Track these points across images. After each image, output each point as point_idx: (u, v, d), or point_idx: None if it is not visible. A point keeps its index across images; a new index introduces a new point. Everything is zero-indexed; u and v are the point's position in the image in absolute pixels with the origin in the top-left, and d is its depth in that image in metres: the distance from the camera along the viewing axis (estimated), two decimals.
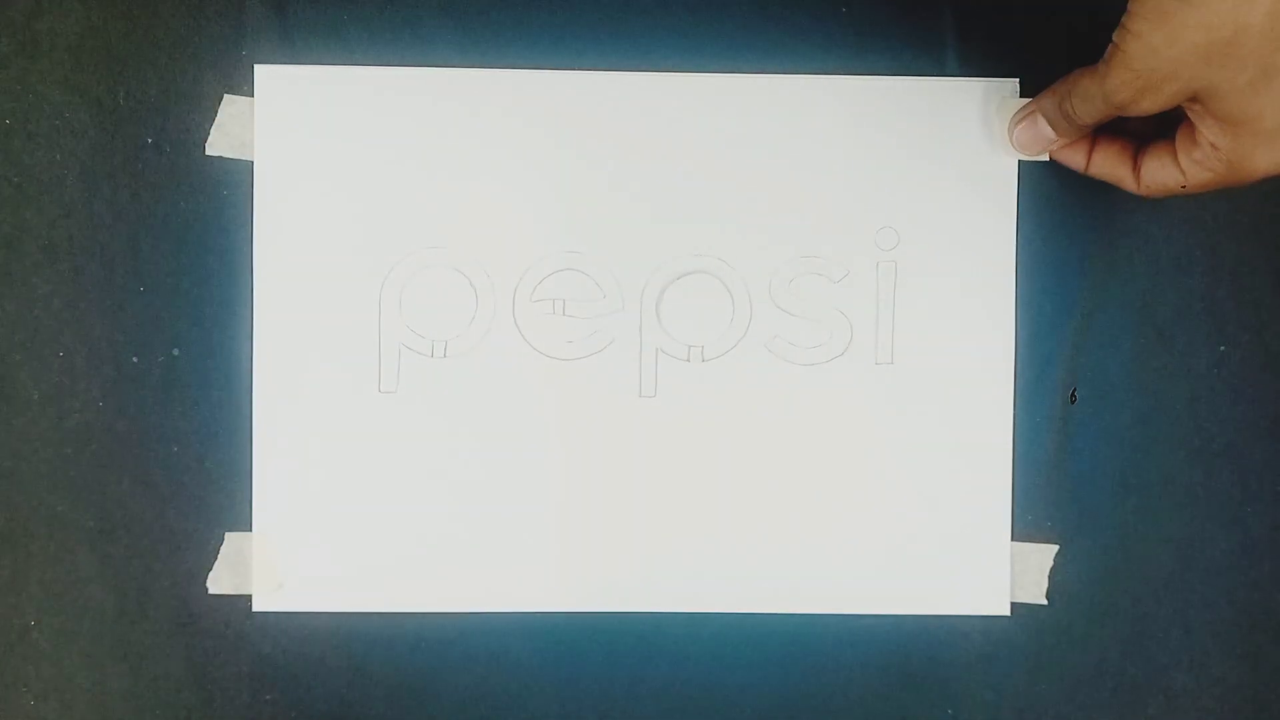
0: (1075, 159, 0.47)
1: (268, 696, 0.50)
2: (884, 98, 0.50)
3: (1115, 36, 0.40)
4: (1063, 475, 0.51)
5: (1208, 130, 0.41)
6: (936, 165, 0.50)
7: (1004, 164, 0.50)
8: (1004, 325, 0.50)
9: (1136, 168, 0.45)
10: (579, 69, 0.49)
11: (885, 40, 0.50)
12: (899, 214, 0.50)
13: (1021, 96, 0.49)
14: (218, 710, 0.50)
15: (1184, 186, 0.43)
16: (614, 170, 0.49)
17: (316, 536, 0.49)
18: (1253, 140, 0.40)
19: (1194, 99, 0.40)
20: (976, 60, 0.50)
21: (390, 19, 0.49)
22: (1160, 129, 0.44)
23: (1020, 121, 0.48)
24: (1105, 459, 0.51)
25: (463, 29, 0.49)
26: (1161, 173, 0.44)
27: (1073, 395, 0.51)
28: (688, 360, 0.50)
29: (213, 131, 0.49)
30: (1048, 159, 0.49)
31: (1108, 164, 0.46)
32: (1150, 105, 0.41)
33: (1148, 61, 0.39)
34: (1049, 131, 0.47)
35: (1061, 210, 0.50)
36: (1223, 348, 0.51)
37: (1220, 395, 0.51)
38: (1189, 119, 0.42)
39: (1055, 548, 0.50)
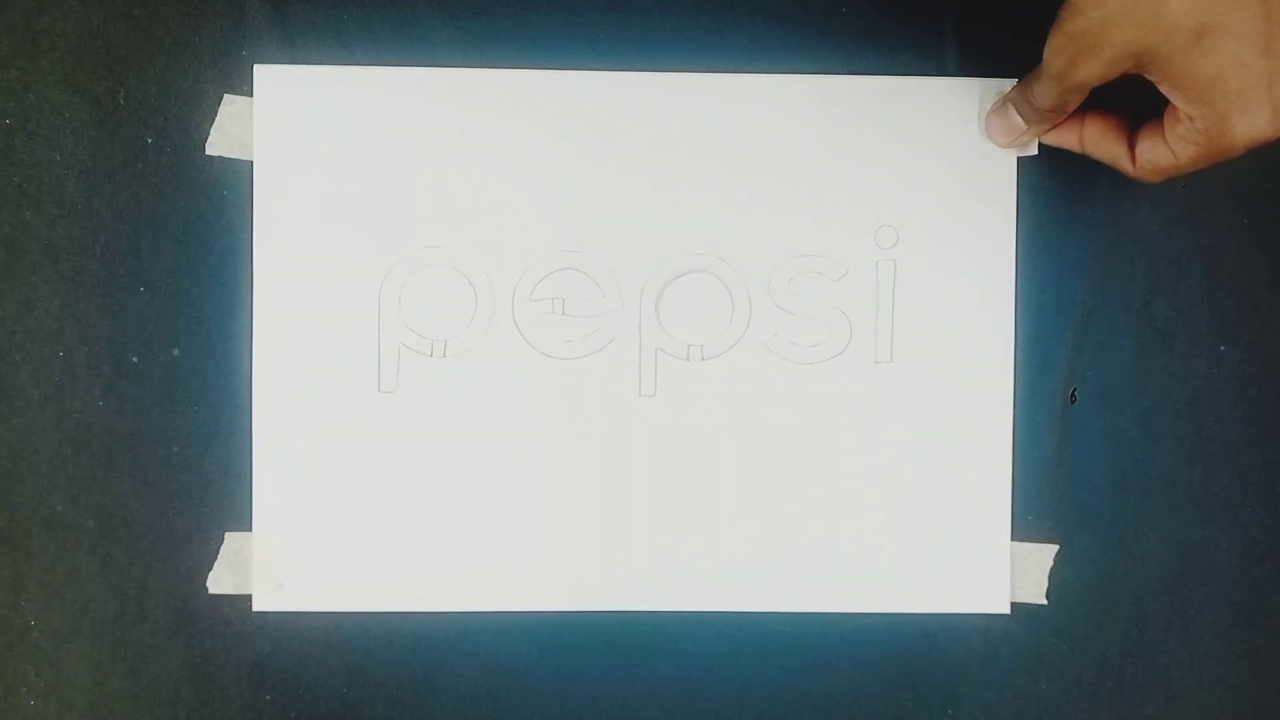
0: (1068, 138, 0.47)
1: (268, 696, 0.50)
2: (884, 98, 0.50)
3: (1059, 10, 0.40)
4: (1063, 475, 0.51)
5: (1178, 101, 0.41)
6: (936, 165, 0.50)
7: (1003, 164, 0.50)
8: (1004, 325, 0.50)
9: (1131, 149, 0.45)
10: (579, 69, 0.49)
11: (885, 40, 0.50)
12: (898, 213, 0.50)
13: None
14: (218, 710, 0.50)
15: (1176, 166, 0.43)
16: (613, 170, 0.49)
17: (316, 536, 0.49)
18: (1224, 105, 0.40)
19: (1141, 66, 0.40)
20: (976, 60, 0.50)
21: (390, 19, 0.49)
22: (1154, 111, 0.44)
23: (991, 112, 0.48)
24: (1105, 459, 0.51)
25: (463, 29, 0.49)
26: (1154, 152, 0.43)
27: (1073, 395, 0.50)
28: (687, 359, 0.50)
29: (213, 131, 0.49)
30: (1035, 152, 0.49)
31: (1102, 143, 0.46)
32: (1089, 71, 0.41)
33: (1077, 24, 0.39)
34: (1016, 120, 0.47)
35: (1061, 210, 0.50)
36: (1223, 348, 0.51)
37: (1220, 395, 0.51)
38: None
39: (1055, 548, 0.50)
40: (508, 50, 0.49)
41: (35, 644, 0.49)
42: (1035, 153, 0.50)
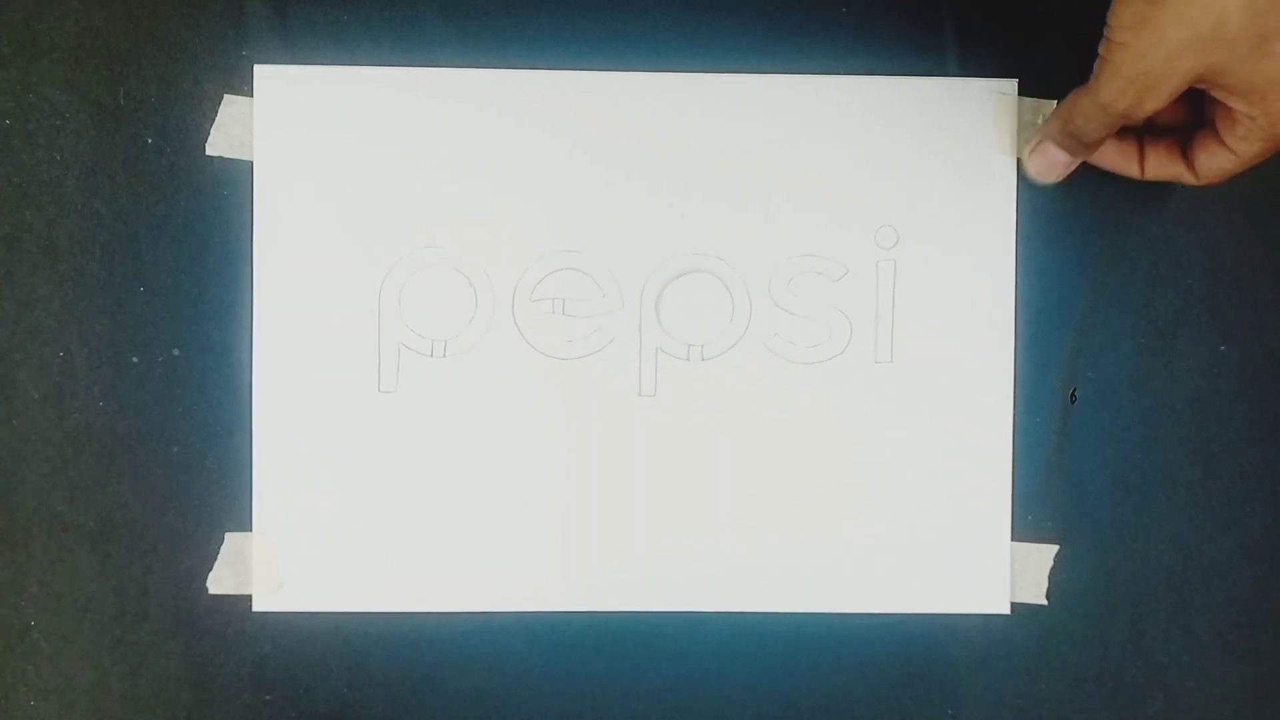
0: (1129, 168, 0.47)
1: (268, 696, 0.50)
2: (884, 98, 0.50)
3: (1100, 49, 0.40)
4: (1063, 475, 0.51)
5: (1236, 104, 0.41)
6: (936, 165, 0.50)
7: (1003, 164, 0.50)
8: (1004, 325, 0.50)
9: (1190, 162, 0.45)
10: (579, 69, 0.49)
11: (885, 40, 0.50)
12: (899, 213, 0.50)
13: (1021, 96, 0.49)
14: (218, 710, 0.50)
15: (1241, 164, 0.44)
16: (613, 170, 0.49)
17: (316, 536, 0.49)
18: None
19: (1201, 83, 0.40)
20: (976, 60, 0.50)
21: (390, 19, 0.49)
22: (1197, 117, 0.45)
23: (1032, 152, 0.48)
24: (1105, 459, 0.51)
25: (463, 29, 0.49)
26: (1213, 160, 0.44)
27: (1073, 395, 0.50)
28: (687, 359, 0.50)
29: (213, 131, 0.49)
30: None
31: (1162, 167, 0.46)
32: (1154, 104, 0.41)
33: (1138, 66, 0.40)
34: (1062, 156, 0.47)
35: (1061, 210, 0.50)
36: (1223, 348, 0.51)
37: (1220, 395, 0.51)
38: (1218, 99, 0.42)
39: (1055, 548, 0.50)
40: (508, 50, 0.49)
41: (35, 644, 0.49)
42: None
